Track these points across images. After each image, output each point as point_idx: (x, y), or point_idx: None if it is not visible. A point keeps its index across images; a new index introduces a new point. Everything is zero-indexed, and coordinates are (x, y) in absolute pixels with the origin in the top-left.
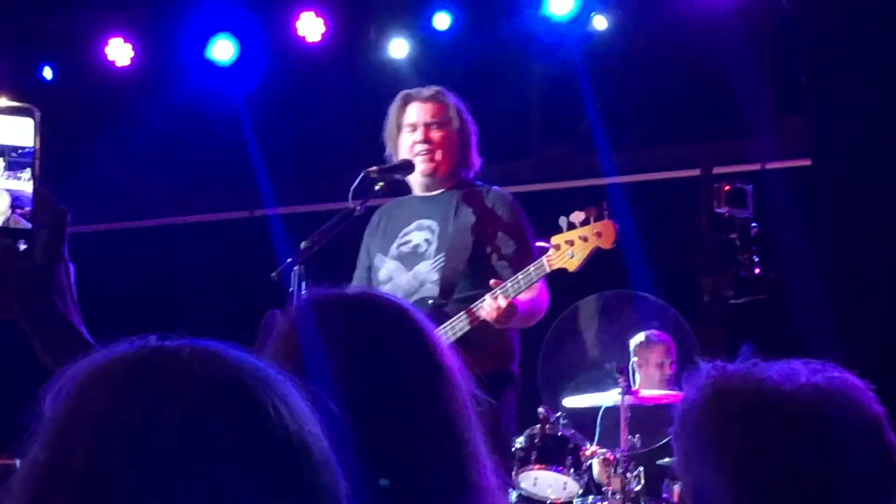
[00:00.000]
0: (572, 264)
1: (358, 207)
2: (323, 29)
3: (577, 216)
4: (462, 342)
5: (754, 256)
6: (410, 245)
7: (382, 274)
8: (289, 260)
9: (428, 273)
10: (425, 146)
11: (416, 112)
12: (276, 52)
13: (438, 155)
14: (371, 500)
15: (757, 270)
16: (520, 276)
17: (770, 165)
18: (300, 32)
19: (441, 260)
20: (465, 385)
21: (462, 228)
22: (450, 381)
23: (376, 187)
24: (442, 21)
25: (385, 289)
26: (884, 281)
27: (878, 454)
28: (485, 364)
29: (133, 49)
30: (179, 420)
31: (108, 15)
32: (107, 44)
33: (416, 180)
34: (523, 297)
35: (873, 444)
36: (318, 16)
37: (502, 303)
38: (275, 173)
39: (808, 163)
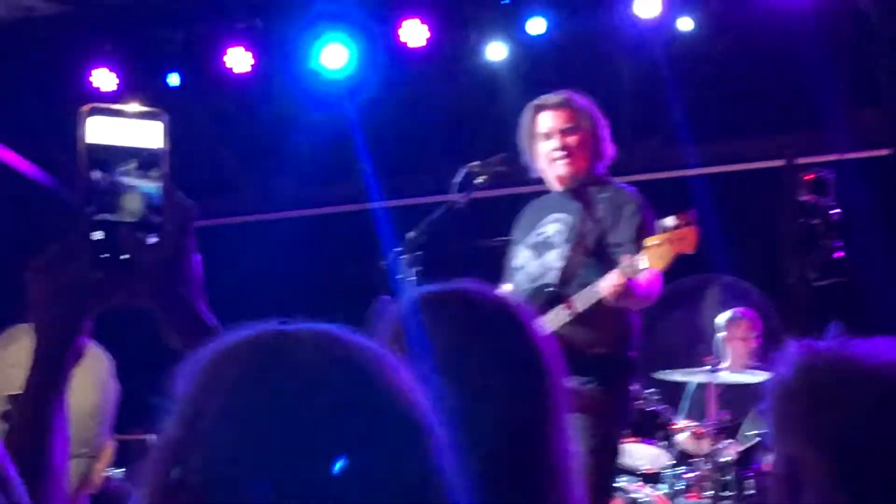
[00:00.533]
0: (660, 264)
1: (461, 200)
2: (427, 35)
3: (671, 221)
4: (584, 324)
5: (836, 241)
6: (544, 236)
7: (517, 262)
8: (396, 249)
9: (553, 261)
10: (562, 153)
11: (548, 120)
12: (384, 57)
13: (575, 159)
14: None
15: (839, 254)
16: (615, 272)
17: (849, 156)
18: (405, 38)
19: (567, 250)
20: (562, 384)
21: (590, 222)
22: (547, 387)
23: (478, 181)
24: (536, 26)
25: (517, 275)
26: None
27: None
28: (603, 347)
29: (252, 57)
30: (298, 398)
31: (228, 25)
32: (226, 52)
33: (554, 179)
34: (640, 279)
35: None
36: (422, 23)
37: (618, 279)
38: (382, 169)
39: (885, 153)
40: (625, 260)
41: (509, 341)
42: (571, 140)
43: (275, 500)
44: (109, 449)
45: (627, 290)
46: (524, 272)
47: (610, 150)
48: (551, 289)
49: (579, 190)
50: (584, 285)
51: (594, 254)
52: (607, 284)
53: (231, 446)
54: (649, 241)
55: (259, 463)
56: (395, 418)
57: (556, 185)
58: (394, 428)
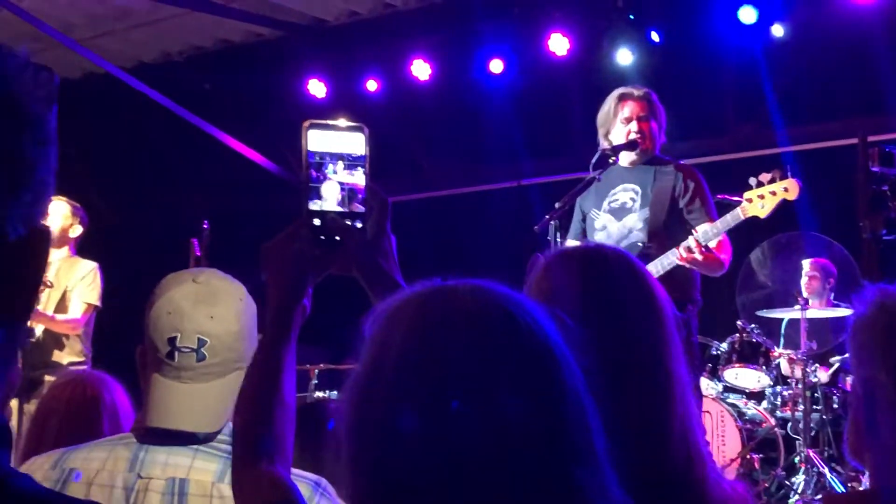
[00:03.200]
0: (763, 213)
1: (598, 176)
2: (568, 45)
3: (765, 176)
4: (666, 275)
5: None
6: (619, 202)
7: (598, 224)
8: (546, 216)
9: (634, 223)
10: (638, 134)
11: (631, 108)
12: (535, 65)
13: (647, 140)
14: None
15: None
16: (718, 223)
17: None
18: (552, 48)
19: (646, 213)
20: (673, 318)
21: (662, 190)
22: (663, 320)
23: (611, 160)
24: (655, 36)
25: (599, 234)
26: None
27: None
28: (680, 292)
29: (430, 67)
30: (458, 340)
31: (412, 44)
32: (412, 63)
33: (625, 155)
34: (715, 251)
35: None
36: (563, 35)
37: (691, 243)
38: (535, 152)
39: None
40: (701, 228)
41: (629, 285)
42: (646, 126)
43: (435, 410)
44: None
45: (705, 253)
46: (606, 232)
47: (664, 137)
48: (641, 245)
49: (644, 165)
50: (665, 241)
51: (669, 214)
52: (688, 248)
53: (405, 382)
54: (748, 195)
55: (428, 395)
56: (533, 349)
57: (624, 160)
58: (534, 356)
